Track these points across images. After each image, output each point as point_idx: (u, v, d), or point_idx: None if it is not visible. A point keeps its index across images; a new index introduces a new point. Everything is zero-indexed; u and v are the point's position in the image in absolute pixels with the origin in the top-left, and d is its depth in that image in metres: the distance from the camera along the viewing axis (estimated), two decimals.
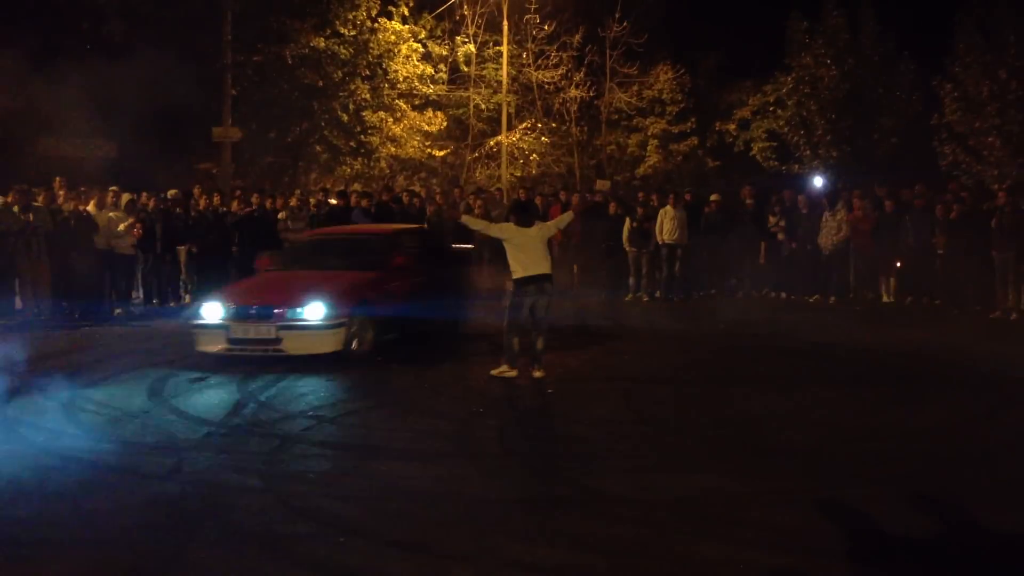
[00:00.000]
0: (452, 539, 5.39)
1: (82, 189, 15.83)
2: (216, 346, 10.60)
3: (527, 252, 9.85)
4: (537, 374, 9.85)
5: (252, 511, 5.80)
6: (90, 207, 15.19)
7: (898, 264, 16.21)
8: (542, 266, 9.91)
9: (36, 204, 14.47)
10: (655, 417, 8.40)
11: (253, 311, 10.53)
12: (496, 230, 10.34)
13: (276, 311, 10.43)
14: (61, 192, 15.40)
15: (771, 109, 27.67)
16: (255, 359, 10.36)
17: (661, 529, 5.51)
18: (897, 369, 10.66)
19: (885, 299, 16.29)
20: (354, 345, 10.72)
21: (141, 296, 16.37)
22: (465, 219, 10.88)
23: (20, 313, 14.23)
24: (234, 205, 16.99)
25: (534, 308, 9.88)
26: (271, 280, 11.83)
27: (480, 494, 6.16)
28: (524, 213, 10.36)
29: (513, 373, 9.87)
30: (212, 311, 10.72)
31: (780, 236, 17.00)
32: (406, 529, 5.52)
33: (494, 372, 9.91)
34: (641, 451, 7.26)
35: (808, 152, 26.67)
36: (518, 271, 9.85)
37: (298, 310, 10.42)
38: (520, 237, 9.93)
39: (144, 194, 16.43)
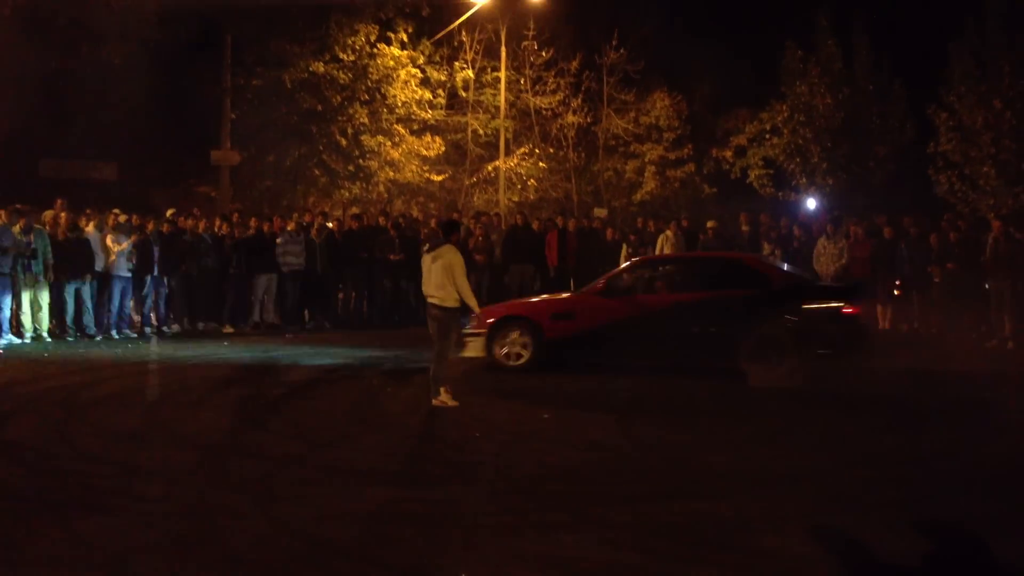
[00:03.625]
0: (448, 563, 5.40)
1: (87, 212, 15.91)
2: None
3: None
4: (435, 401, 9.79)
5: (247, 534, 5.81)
6: (89, 228, 15.28)
7: (895, 292, 16.28)
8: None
9: (37, 226, 14.53)
10: (648, 444, 8.40)
11: None
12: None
13: None
14: (62, 214, 15.45)
15: (767, 136, 27.81)
16: None
17: (655, 555, 5.52)
18: (892, 396, 10.68)
19: (881, 326, 16.34)
20: None
21: (140, 319, 16.36)
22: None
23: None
24: (224, 227, 16.97)
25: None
26: None
27: (476, 519, 6.16)
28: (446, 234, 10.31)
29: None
30: None
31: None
32: (402, 552, 5.53)
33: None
34: (634, 477, 7.27)
35: (804, 180, 26.80)
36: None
37: None
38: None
39: (134, 216, 16.34)
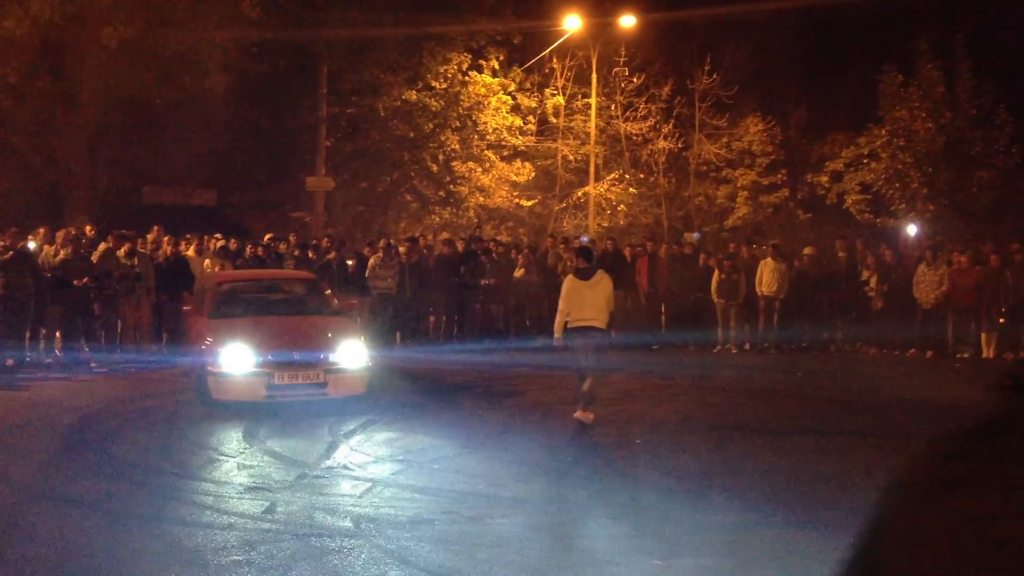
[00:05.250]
0: None
1: (187, 237, 16.35)
2: None
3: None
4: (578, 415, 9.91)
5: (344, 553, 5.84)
6: (189, 252, 15.71)
7: (1001, 320, 15.72)
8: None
9: (140, 251, 14.99)
10: (746, 468, 8.20)
11: None
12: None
13: None
14: (165, 239, 15.92)
15: (864, 161, 27.23)
16: None
17: None
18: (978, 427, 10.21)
19: (985, 354, 15.78)
20: None
21: None
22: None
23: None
24: (311, 253, 17.18)
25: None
26: None
27: (568, 542, 6.08)
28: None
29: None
30: None
31: (870, 292, 16.64)
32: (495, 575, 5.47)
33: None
34: (731, 502, 7.10)
35: (904, 205, 26.14)
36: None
37: None
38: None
39: (232, 240, 16.71)
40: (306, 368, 10.36)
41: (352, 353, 10.55)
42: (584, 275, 10.16)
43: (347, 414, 10.10)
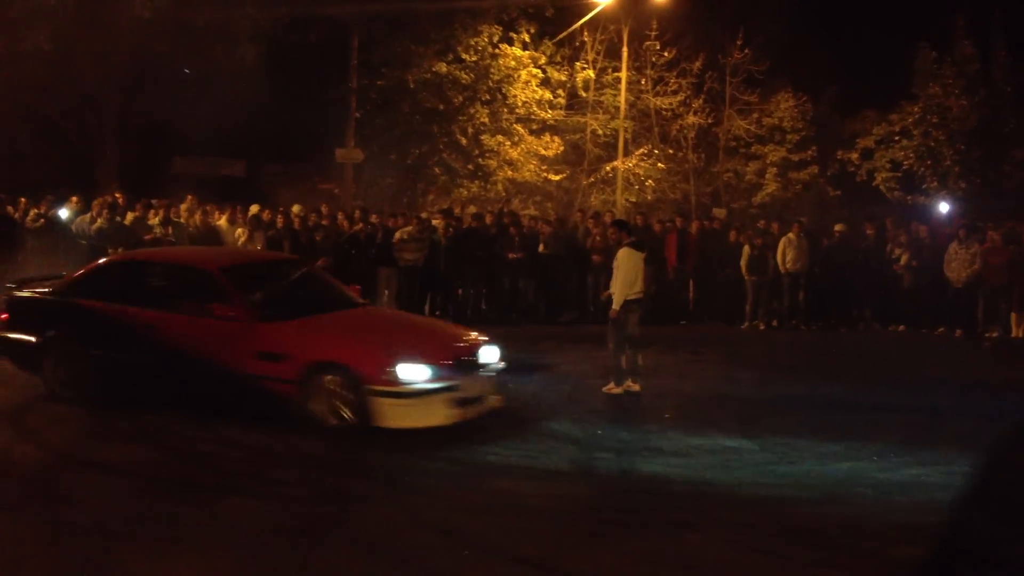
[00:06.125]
0: (570, 557, 5.41)
1: (207, 208, 16.35)
2: None
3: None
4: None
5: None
6: (221, 222, 15.81)
7: None
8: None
9: (175, 220, 15.14)
10: (773, 444, 8.22)
11: None
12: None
13: None
14: (196, 208, 16.05)
15: (896, 139, 26.96)
16: None
17: (777, 556, 5.43)
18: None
19: (1014, 334, 15.67)
20: None
21: None
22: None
23: None
24: (346, 223, 17.20)
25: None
26: None
27: (598, 514, 6.16)
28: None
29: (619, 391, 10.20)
30: None
31: (899, 270, 16.54)
32: (527, 545, 5.56)
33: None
34: (758, 477, 7.15)
35: (935, 183, 25.90)
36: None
37: None
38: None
39: (266, 211, 16.76)
40: (482, 376, 8.81)
41: (493, 351, 9.08)
42: (639, 247, 10.45)
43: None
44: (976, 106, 25.44)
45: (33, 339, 9.31)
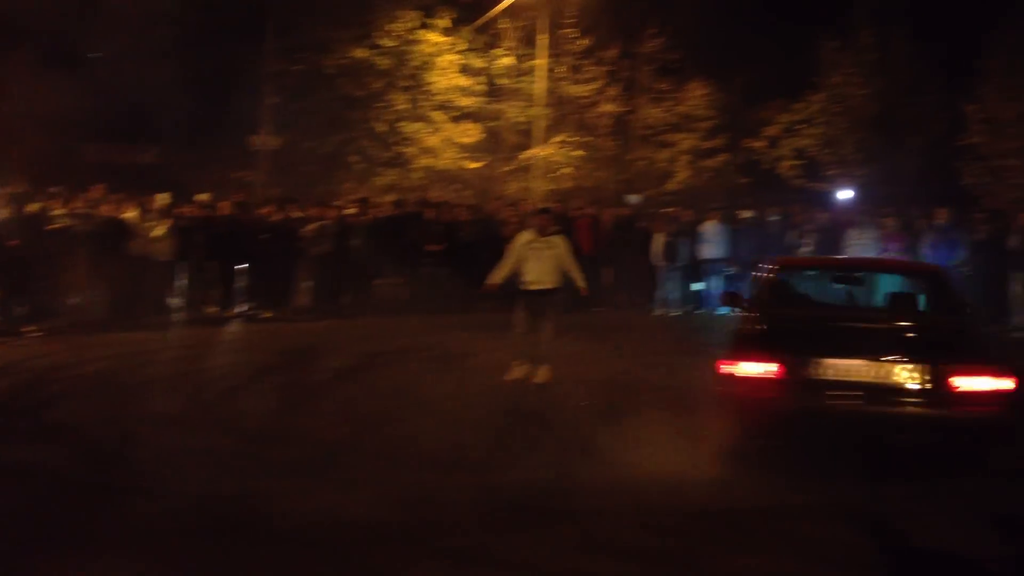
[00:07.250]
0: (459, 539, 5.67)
1: (114, 197, 15.94)
2: None
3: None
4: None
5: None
6: (131, 214, 15.39)
7: None
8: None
9: (79, 210, 14.83)
10: (691, 430, 8.39)
11: None
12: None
13: None
14: (104, 200, 15.69)
15: (801, 127, 27.72)
16: None
17: (694, 540, 5.74)
18: None
19: None
20: None
21: (181, 303, 16.29)
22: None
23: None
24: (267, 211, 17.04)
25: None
26: None
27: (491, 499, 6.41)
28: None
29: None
30: None
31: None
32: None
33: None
34: (673, 461, 7.42)
35: (837, 171, 26.72)
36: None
37: None
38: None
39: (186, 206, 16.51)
40: None
41: None
42: (543, 235, 10.50)
43: None
44: (875, 94, 26.31)
45: None
